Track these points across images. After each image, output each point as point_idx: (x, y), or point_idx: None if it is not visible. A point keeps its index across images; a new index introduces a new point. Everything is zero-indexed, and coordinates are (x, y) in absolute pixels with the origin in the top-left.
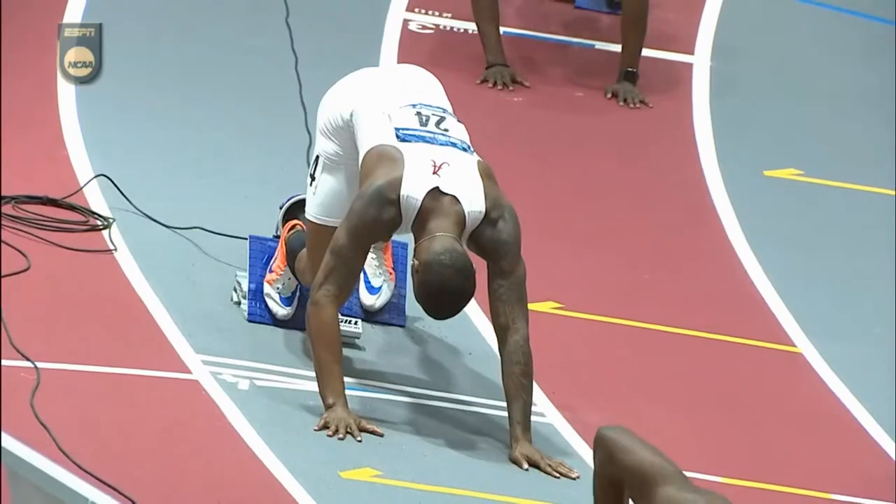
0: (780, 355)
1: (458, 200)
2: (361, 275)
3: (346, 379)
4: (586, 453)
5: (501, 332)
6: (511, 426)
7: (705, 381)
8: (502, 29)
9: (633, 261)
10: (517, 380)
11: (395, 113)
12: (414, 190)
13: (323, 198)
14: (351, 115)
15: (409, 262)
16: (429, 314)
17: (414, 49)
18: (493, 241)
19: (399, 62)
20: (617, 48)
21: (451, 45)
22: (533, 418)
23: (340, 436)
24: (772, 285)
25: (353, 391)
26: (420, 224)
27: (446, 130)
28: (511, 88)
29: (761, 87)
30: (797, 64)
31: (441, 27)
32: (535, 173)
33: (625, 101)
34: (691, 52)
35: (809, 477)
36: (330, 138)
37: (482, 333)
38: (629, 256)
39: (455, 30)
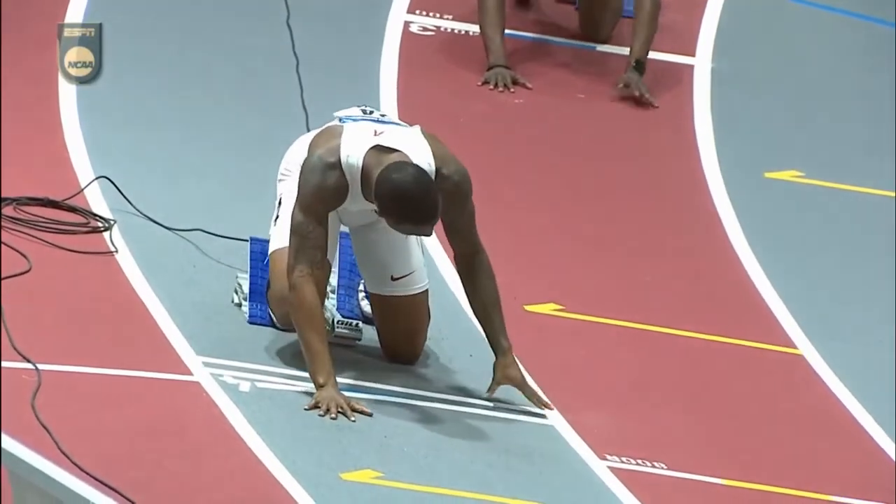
0: (780, 357)
1: (404, 155)
2: (362, 284)
3: (348, 381)
4: (587, 455)
5: (467, 257)
6: (494, 338)
7: (706, 382)
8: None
9: (633, 262)
10: (492, 292)
11: (339, 112)
12: (353, 150)
13: (286, 222)
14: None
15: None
16: (406, 228)
17: (415, 51)
18: (448, 197)
19: (400, 64)
20: (618, 50)
21: (452, 46)
22: (534, 419)
23: (333, 415)
24: (772, 287)
25: (354, 393)
26: (368, 182)
27: (391, 120)
28: (512, 90)
29: (762, 88)
30: (798, 66)
31: (442, 29)
32: (535, 174)
33: (639, 93)
34: (692, 54)
35: (810, 479)
36: (290, 178)
37: (482, 336)
38: (630, 258)
39: (456, 31)
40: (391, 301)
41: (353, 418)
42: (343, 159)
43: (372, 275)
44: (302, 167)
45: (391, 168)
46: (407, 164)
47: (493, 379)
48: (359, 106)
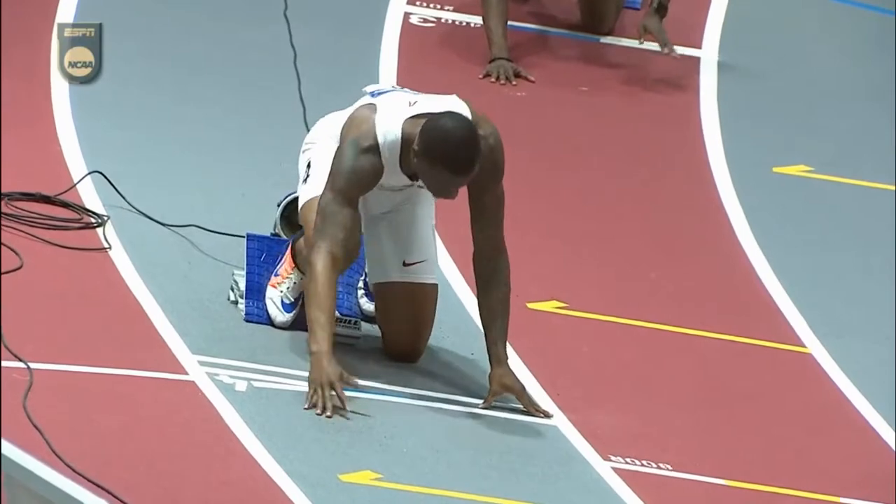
0: (788, 355)
1: None
2: (361, 282)
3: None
4: (591, 456)
5: (488, 256)
6: (493, 346)
7: (712, 382)
8: None
9: (638, 259)
10: (502, 299)
11: (369, 87)
12: (390, 126)
13: (318, 178)
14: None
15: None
16: (443, 176)
17: (415, 43)
18: (488, 160)
19: (400, 56)
20: (620, 42)
21: (453, 38)
22: (537, 420)
23: (328, 414)
24: (780, 284)
25: (353, 393)
26: (408, 150)
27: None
28: (514, 83)
29: (770, 81)
30: (806, 58)
31: (443, 20)
32: (538, 170)
33: (661, 42)
34: (699, 47)
35: (818, 480)
36: (315, 146)
37: (483, 334)
38: (635, 255)
39: (457, 23)
40: (400, 288)
41: (348, 416)
42: (380, 140)
43: (383, 261)
44: (335, 154)
45: (438, 115)
46: (455, 113)
47: (490, 390)
48: (390, 83)
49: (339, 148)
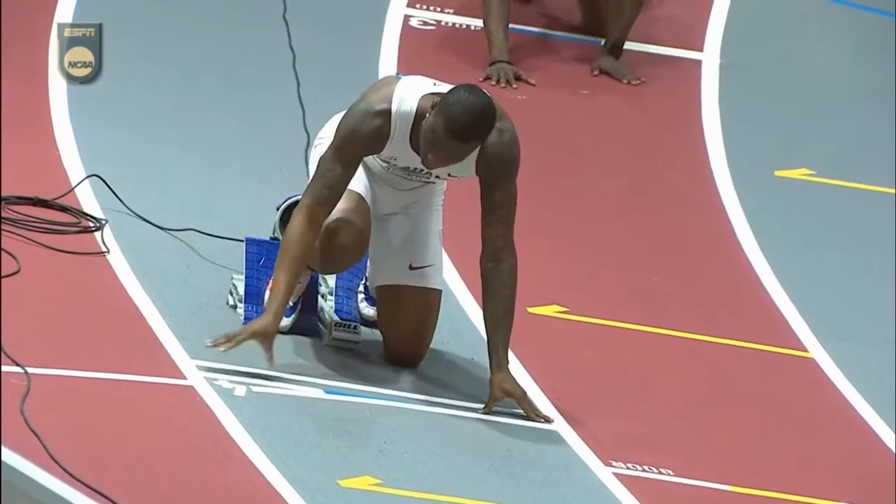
0: (790, 360)
1: None
2: (361, 286)
3: (345, 384)
4: (592, 461)
5: (495, 251)
6: (495, 351)
7: (713, 386)
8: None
9: (639, 262)
10: (506, 303)
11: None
12: (408, 96)
13: None
14: None
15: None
16: (445, 140)
17: (415, 45)
18: (499, 156)
19: (399, 59)
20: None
21: (453, 41)
22: (537, 425)
23: (208, 343)
24: (782, 288)
25: (353, 397)
26: (420, 124)
27: None
28: (514, 86)
29: (772, 84)
30: (809, 61)
31: (443, 23)
32: (538, 173)
33: (623, 78)
34: (700, 49)
35: (820, 485)
36: (325, 143)
37: (484, 339)
38: (636, 258)
39: (457, 26)
40: (405, 292)
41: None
42: (395, 107)
43: (389, 264)
44: (347, 110)
45: (467, 85)
46: (482, 91)
47: (491, 395)
48: None
49: (352, 105)
